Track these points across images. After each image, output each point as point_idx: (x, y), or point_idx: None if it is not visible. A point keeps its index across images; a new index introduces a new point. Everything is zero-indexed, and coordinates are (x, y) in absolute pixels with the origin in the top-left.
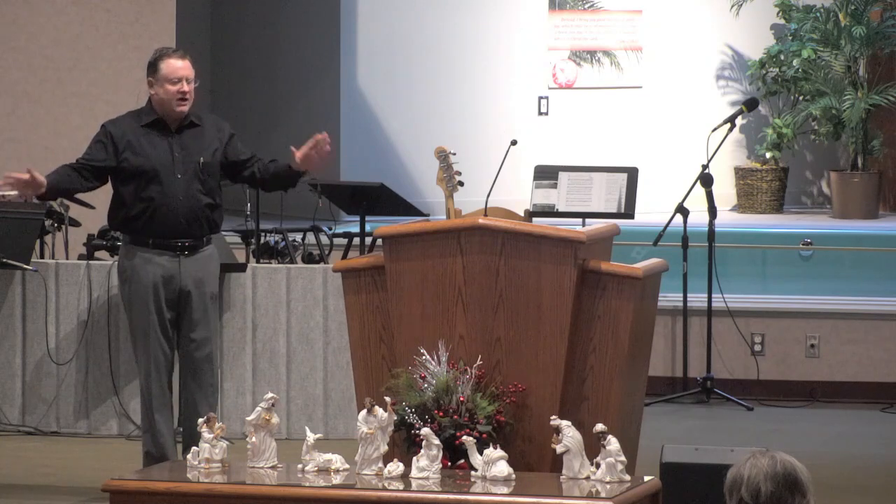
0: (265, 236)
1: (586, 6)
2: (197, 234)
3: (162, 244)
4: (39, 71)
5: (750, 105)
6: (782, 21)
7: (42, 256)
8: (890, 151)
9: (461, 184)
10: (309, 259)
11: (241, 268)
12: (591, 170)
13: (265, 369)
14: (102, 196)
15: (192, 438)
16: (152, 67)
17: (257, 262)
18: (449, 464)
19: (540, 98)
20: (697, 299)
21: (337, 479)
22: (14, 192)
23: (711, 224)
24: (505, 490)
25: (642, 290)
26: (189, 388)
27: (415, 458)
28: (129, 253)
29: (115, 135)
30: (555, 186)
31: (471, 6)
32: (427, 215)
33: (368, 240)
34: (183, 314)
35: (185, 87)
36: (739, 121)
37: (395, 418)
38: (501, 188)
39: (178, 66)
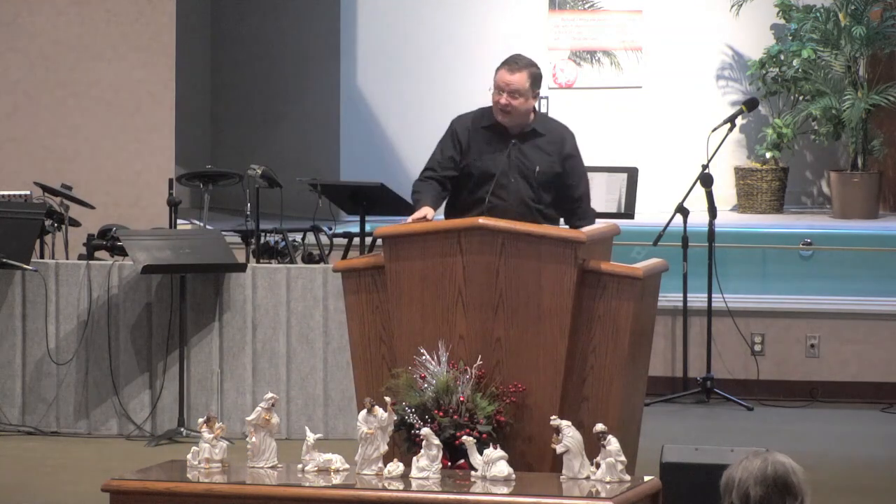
0: (265, 236)
1: (586, 6)
2: None
3: None
4: (39, 71)
5: (750, 105)
6: (782, 21)
7: (42, 256)
8: (890, 151)
9: None
10: (309, 259)
11: (241, 268)
12: (591, 170)
13: (265, 369)
14: (102, 196)
15: None
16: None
17: (257, 262)
18: (449, 464)
19: (540, 98)
20: (697, 299)
21: (337, 479)
22: None
23: (711, 224)
24: (505, 490)
25: (642, 290)
26: None
27: (415, 458)
28: None
29: (460, 133)
30: None
31: (471, 6)
32: None
33: (368, 240)
34: None
35: (503, 100)
36: (739, 121)
37: (395, 418)
38: None
39: (503, 77)
